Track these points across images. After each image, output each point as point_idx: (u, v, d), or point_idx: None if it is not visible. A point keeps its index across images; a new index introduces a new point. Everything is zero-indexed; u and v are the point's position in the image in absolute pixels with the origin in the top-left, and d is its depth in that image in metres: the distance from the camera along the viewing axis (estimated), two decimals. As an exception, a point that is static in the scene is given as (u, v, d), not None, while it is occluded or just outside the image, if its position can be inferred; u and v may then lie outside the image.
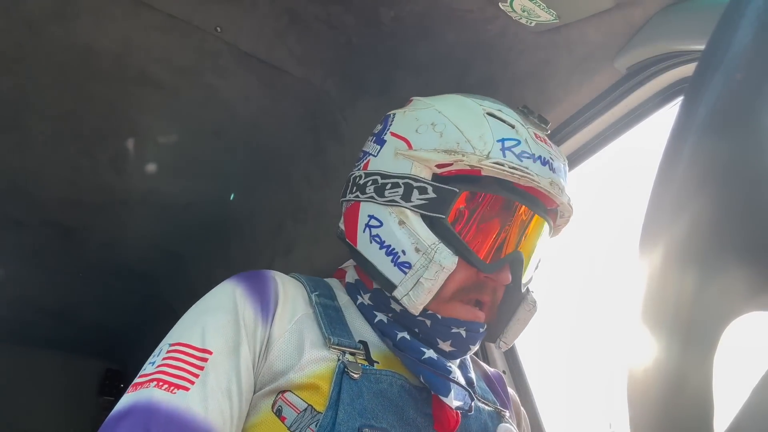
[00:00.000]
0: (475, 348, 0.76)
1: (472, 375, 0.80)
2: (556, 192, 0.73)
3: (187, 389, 0.60)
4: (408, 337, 0.72)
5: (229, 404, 0.62)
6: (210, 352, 0.63)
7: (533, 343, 1.29)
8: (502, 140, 0.72)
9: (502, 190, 0.73)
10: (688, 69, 0.86)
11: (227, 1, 1.09)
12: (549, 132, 0.80)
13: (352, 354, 0.68)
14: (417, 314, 0.71)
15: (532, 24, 0.93)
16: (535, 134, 0.75)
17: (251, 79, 1.28)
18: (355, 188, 0.79)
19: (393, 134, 0.78)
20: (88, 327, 2.83)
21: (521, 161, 0.71)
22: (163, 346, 0.65)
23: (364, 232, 0.75)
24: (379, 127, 0.83)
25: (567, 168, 0.79)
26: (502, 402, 0.86)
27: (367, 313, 0.77)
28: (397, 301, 0.72)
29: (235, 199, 1.76)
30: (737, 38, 0.25)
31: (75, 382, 3.20)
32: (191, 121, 1.42)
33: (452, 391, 0.67)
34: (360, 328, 0.75)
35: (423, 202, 0.71)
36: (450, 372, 0.69)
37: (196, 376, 0.61)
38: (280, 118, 1.40)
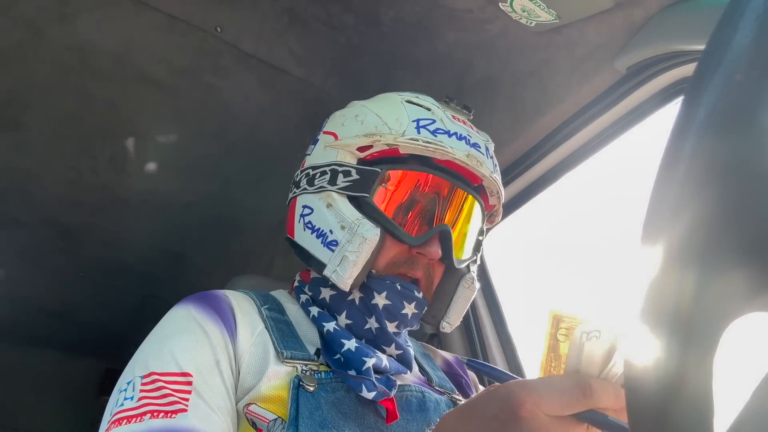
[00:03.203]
0: (410, 311, 0.76)
1: (410, 353, 0.80)
2: (473, 164, 0.76)
3: (185, 410, 0.58)
4: (332, 328, 0.74)
5: (226, 421, 0.61)
6: (190, 375, 0.62)
7: (533, 343, 1.29)
8: (417, 120, 0.76)
9: (422, 166, 0.77)
10: (688, 69, 0.86)
11: (227, 1, 1.09)
12: (472, 118, 0.85)
13: (306, 365, 0.69)
14: (347, 290, 0.73)
15: (532, 24, 0.93)
16: (453, 116, 0.80)
17: (251, 79, 1.28)
18: (293, 187, 0.84)
19: (324, 132, 0.83)
20: (88, 327, 2.83)
21: (435, 136, 0.75)
22: (133, 380, 0.62)
23: (299, 222, 0.79)
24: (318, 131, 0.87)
25: (491, 149, 0.83)
26: (462, 383, 0.88)
27: (305, 310, 0.78)
28: (327, 280, 0.75)
29: (235, 199, 1.76)
30: (737, 39, 0.25)
31: (75, 382, 3.20)
32: (191, 121, 1.42)
33: (363, 384, 0.67)
34: (312, 337, 0.75)
35: (348, 184, 0.75)
36: (363, 363, 0.70)
37: (187, 399, 0.59)
38: (280, 118, 1.40)
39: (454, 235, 0.78)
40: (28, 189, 1.68)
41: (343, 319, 0.76)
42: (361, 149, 0.76)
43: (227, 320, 0.69)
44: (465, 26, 1.02)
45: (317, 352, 0.72)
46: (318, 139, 0.84)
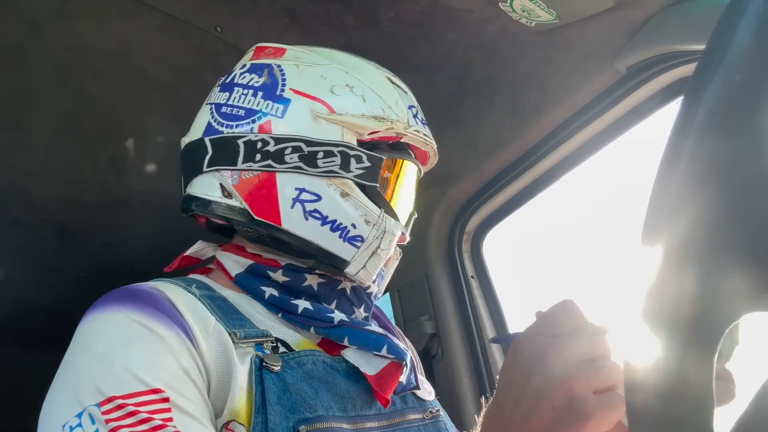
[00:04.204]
0: (375, 298, 0.76)
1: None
2: (432, 155, 0.79)
3: None
4: (311, 306, 0.67)
5: None
6: (162, 391, 0.50)
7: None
8: (410, 107, 0.73)
9: (407, 154, 0.75)
10: (688, 69, 0.86)
11: (227, 1, 1.09)
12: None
13: (262, 344, 0.60)
14: (366, 285, 0.71)
15: (532, 24, 0.93)
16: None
17: (251, 79, 1.28)
18: (258, 156, 0.67)
19: (298, 92, 0.69)
20: (88, 327, 2.82)
21: (424, 128, 0.74)
22: (85, 410, 0.48)
23: (293, 207, 0.67)
24: (261, 80, 0.71)
25: None
26: (394, 332, 0.85)
27: (279, 304, 0.68)
28: (346, 276, 0.69)
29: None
30: (737, 39, 0.25)
31: (75, 382, 3.19)
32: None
33: (385, 346, 0.64)
34: (265, 322, 0.66)
35: (361, 171, 0.67)
36: (371, 331, 0.67)
37: (171, 420, 0.49)
38: (280, 118, 1.39)
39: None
40: (28, 189, 1.68)
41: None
42: (370, 133, 0.69)
43: (178, 320, 0.57)
44: (465, 26, 1.02)
45: (276, 340, 0.63)
46: (287, 99, 0.68)
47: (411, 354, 0.73)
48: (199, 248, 0.79)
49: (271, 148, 0.67)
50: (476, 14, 0.98)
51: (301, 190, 0.67)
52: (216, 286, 0.69)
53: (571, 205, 1.32)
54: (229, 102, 0.71)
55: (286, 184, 0.67)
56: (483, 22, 0.99)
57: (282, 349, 0.63)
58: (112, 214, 1.83)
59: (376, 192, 0.69)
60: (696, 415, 0.26)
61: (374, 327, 0.71)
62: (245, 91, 0.70)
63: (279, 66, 0.71)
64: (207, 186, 0.70)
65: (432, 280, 1.32)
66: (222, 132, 0.69)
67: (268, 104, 0.69)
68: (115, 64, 1.21)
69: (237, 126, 0.69)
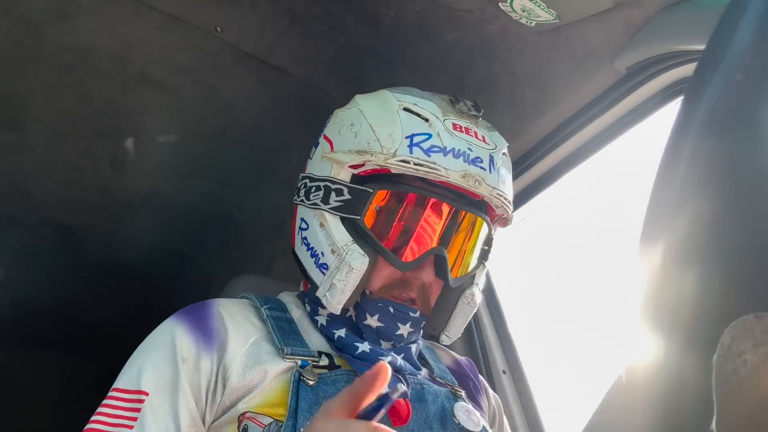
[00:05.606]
0: (406, 330, 0.75)
1: (413, 356, 0.79)
2: (470, 184, 0.70)
3: (130, 427, 0.62)
4: (344, 334, 0.75)
5: None
6: (146, 393, 0.64)
7: (534, 343, 1.29)
8: (411, 136, 0.70)
9: (417, 187, 0.73)
10: (688, 69, 0.86)
11: (227, 1, 1.09)
12: (480, 118, 0.79)
13: (306, 360, 0.70)
14: (338, 313, 0.74)
15: (532, 24, 0.93)
16: (455, 125, 0.73)
17: (251, 79, 1.28)
18: (296, 192, 0.82)
19: (325, 136, 0.80)
20: (88, 327, 2.83)
21: (429, 156, 0.69)
22: (111, 393, 0.66)
23: (298, 234, 0.80)
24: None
25: (498, 156, 0.75)
26: (469, 385, 0.87)
27: (312, 318, 0.79)
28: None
29: (235, 199, 1.76)
30: (737, 38, 0.25)
31: (75, 382, 3.20)
32: (191, 121, 1.42)
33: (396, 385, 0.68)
34: (316, 341, 0.76)
35: (339, 203, 0.73)
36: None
37: (134, 419, 0.62)
38: (280, 118, 1.40)
39: (451, 255, 0.74)
40: (28, 189, 1.68)
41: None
42: (353, 167, 0.73)
43: (209, 336, 0.70)
44: (465, 26, 1.02)
45: (319, 354, 0.73)
46: (319, 142, 0.81)
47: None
48: None
49: (299, 184, 0.80)
50: (476, 14, 0.98)
51: (302, 220, 0.78)
52: (293, 307, 0.81)
53: (570, 204, 1.32)
54: None
55: (298, 215, 0.80)
56: (483, 22, 0.99)
57: (325, 362, 0.71)
58: (112, 214, 1.83)
59: (357, 224, 0.73)
60: (696, 414, 0.26)
61: (400, 360, 0.73)
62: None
63: (335, 115, 0.81)
64: None
65: (432, 280, 1.32)
66: None
67: (312, 150, 0.82)
68: (115, 64, 1.21)
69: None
